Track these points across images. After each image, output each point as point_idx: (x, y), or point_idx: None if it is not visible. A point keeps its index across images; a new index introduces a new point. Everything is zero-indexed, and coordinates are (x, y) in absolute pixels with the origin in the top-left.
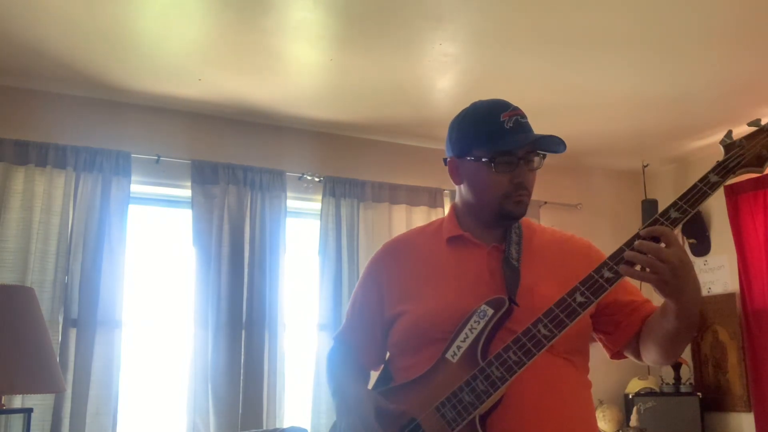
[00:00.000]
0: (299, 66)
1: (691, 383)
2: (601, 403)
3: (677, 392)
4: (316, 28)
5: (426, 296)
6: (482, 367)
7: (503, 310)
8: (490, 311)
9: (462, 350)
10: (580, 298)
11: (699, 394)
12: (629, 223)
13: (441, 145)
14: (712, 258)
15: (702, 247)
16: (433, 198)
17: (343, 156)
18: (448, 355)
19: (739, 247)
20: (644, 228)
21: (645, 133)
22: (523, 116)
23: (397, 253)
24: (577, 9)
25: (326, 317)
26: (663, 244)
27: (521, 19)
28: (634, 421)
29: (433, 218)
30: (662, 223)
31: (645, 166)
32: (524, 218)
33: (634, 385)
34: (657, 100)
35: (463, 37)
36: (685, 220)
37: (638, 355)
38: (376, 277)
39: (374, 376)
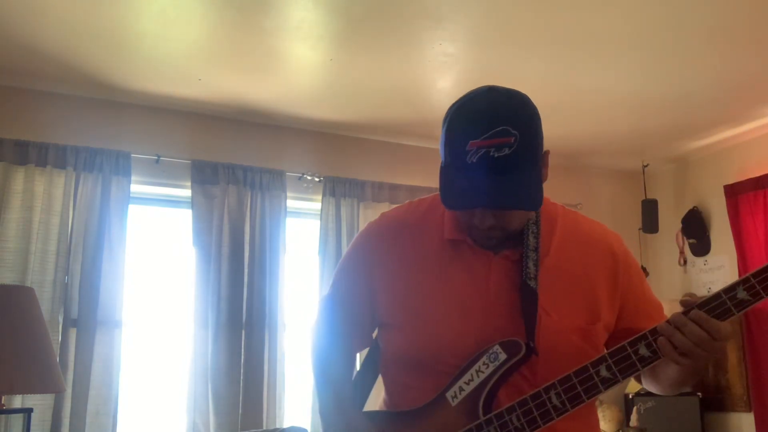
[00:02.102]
0: (299, 66)
1: None
2: (601, 403)
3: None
4: (316, 28)
5: (423, 317)
6: (480, 424)
7: (517, 358)
8: (503, 356)
9: (463, 394)
10: (605, 373)
11: (699, 394)
12: (629, 223)
13: None
14: (712, 258)
15: (702, 247)
16: None
17: (343, 156)
18: (449, 395)
19: (739, 247)
20: (700, 307)
21: (645, 133)
22: (503, 146)
23: (394, 240)
24: (577, 9)
25: None
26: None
27: (521, 19)
28: (634, 421)
29: None
30: (724, 303)
31: (645, 166)
32: (548, 204)
33: (634, 385)
34: (657, 100)
35: (463, 37)
36: (755, 304)
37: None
38: (367, 263)
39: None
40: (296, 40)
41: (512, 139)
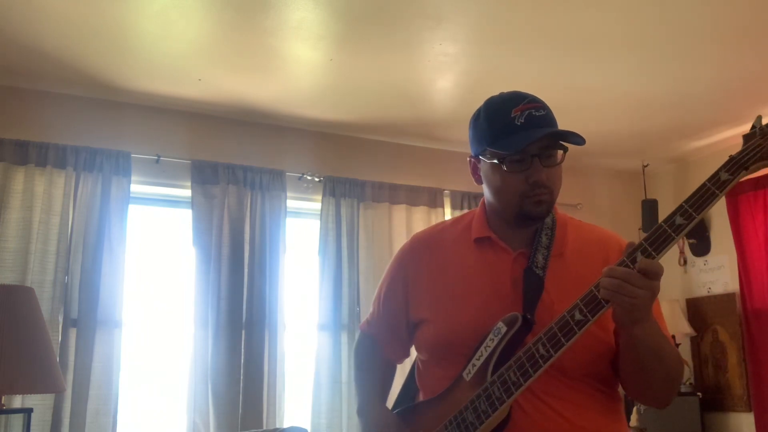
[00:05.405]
0: (299, 66)
1: (691, 383)
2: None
3: (677, 392)
4: (316, 28)
5: (449, 307)
6: (486, 386)
7: (515, 328)
8: (504, 329)
9: (476, 369)
10: (578, 316)
11: (699, 394)
12: (629, 223)
13: (441, 145)
14: (712, 258)
15: (702, 247)
16: (433, 198)
17: (343, 156)
18: (464, 374)
19: (739, 247)
20: (646, 239)
21: (645, 133)
22: (539, 108)
23: (424, 251)
24: (577, 9)
25: (326, 317)
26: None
27: (521, 19)
28: (634, 421)
29: (433, 219)
30: (665, 231)
31: (645, 166)
32: (560, 214)
33: None
34: (657, 100)
35: (463, 37)
36: (690, 226)
37: (630, 394)
38: (402, 273)
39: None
40: (296, 40)
41: (543, 103)
